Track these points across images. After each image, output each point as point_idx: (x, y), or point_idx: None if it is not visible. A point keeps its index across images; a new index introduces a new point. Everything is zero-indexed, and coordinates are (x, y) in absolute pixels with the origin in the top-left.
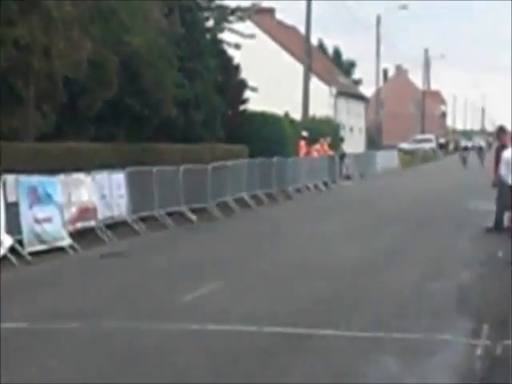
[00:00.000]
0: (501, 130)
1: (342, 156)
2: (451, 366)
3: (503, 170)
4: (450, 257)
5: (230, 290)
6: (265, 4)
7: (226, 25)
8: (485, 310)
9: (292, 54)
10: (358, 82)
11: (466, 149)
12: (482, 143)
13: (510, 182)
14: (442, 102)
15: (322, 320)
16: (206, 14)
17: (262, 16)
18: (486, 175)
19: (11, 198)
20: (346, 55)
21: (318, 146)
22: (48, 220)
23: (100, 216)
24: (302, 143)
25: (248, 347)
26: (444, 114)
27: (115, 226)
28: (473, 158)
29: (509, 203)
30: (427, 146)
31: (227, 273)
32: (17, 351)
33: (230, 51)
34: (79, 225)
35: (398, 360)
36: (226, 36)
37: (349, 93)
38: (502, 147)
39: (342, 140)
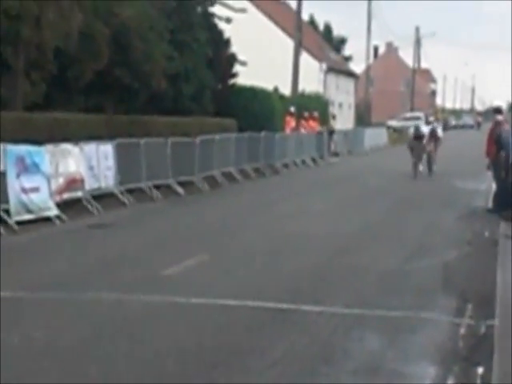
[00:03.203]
0: (496, 110)
1: (331, 132)
2: (434, 345)
3: None
4: (435, 235)
5: (215, 263)
6: None
7: None
8: (469, 289)
9: (283, 29)
10: (348, 59)
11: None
12: (471, 122)
13: None
14: (432, 80)
15: (306, 295)
16: None
17: None
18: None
19: None
20: (336, 31)
21: (304, 122)
22: (35, 190)
23: (87, 187)
24: (289, 118)
25: (231, 321)
26: (434, 93)
27: (102, 197)
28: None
29: None
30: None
31: (213, 246)
32: (1, 320)
33: (221, 25)
34: (66, 195)
35: (381, 337)
36: (216, 9)
37: (339, 69)
38: (495, 128)
39: (334, 117)
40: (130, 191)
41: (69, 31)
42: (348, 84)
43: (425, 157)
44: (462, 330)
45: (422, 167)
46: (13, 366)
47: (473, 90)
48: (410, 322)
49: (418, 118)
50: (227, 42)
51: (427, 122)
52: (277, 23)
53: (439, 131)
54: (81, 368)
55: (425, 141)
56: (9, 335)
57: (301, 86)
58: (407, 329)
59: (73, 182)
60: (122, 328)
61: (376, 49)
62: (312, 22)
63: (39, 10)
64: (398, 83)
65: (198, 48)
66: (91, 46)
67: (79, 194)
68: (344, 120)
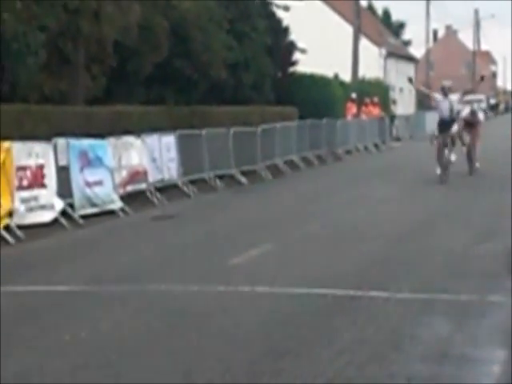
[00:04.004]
0: None
1: (392, 117)
2: (501, 328)
3: None
4: (500, 219)
5: (280, 252)
6: None
7: None
8: None
9: (341, 15)
10: (407, 43)
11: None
12: None
13: None
14: (493, 62)
15: (371, 282)
16: None
17: None
18: None
19: (62, 162)
20: (395, 16)
21: (364, 108)
22: (99, 183)
23: (150, 179)
24: (350, 105)
25: (298, 309)
26: (494, 75)
27: (165, 188)
28: None
29: None
30: (477, 106)
31: (277, 235)
32: (69, 314)
33: (279, 13)
34: (130, 188)
35: (448, 322)
36: None
37: (398, 54)
38: None
39: (394, 102)
40: (193, 182)
41: (128, 24)
42: (408, 68)
43: (461, 149)
44: None
45: (454, 157)
46: (82, 359)
47: None
48: (477, 306)
49: (479, 101)
50: (286, 30)
51: (462, 101)
52: (335, 9)
53: (480, 115)
54: (150, 360)
55: (455, 126)
56: (77, 329)
57: (361, 72)
58: (475, 313)
59: (136, 175)
60: (190, 319)
61: (435, 32)
62: (370, 8)
63: (98, 5)
64: (459, 66)
65: (257, 37)
66: (150, 39)
67: (142, 186)
68: (405, 105)
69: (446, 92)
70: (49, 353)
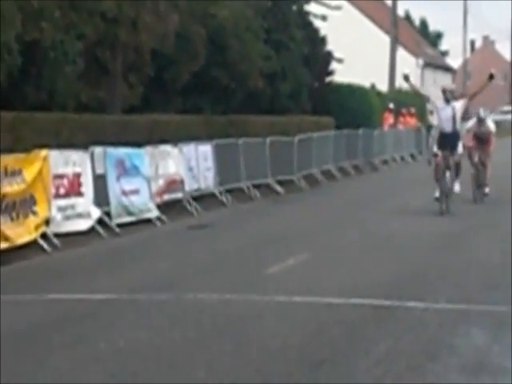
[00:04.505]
0: None
1: (429, 128)
2: None
3: None
4: None
5: (316, 261)
6: None
7: None
8: None
9: (379, 25)
10: (444, 54)
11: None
12: None
13: None
14: None
15: (409, 292)
16: None
17: None
18: None
19: (99, 170)
20: (432, 26)
21: (401, 118)
22: (135, 192)
23: (187, 188)
24: (387, 115)
25: (335, 319)
26: None
27: (202, 197)
28: None
29: None
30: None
31: (314, 244)
32: (106, 322)
33: (317, 23)
34: (166, 197)
35: (486, 332)
36: (312, 7)
37: (436, 64)
38: None
39: (431, 113)
40: (230, 191)
41: (165, 33)
42: (445, 79)
43: (468, 170)
44: None
45: (458, 187)
46: (119, 368)
47: None
48: None
49: (508, 112)
50: (323, 40)
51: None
52: (372, 20)
53: (490, 125)
54: (186, 369)
55: (460, 147)
56: (113, 337)
57: (398, 82)
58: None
59: (173, 184)
60: (226, 328)
61: (473, 43)
62: (408, 18)
63: (136, 13)
64: (496, 77)
65: (295, 46)
66: (188, 48)
67: (179, 195)
68: None
69: (448, 97)
70: (85, 361)
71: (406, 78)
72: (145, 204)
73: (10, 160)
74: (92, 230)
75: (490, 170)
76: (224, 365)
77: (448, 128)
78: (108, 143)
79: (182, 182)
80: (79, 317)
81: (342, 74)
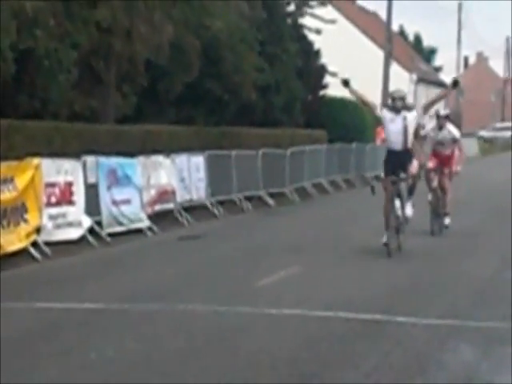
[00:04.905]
0: None
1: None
2: None
3: None
4: None
5: (307, 274)
6: None
7: (307, 9)
8: None
9: (373, 39)
10: (438, 69)
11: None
12: None
13: None
14: None
15: (399, 307)
16: None
17: (343, 1)
18: None
19: (91, 180)
20: (426, 42)
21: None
22: (127, 202)
23: (179, 199)
24: (380, 129)
25: (325, 332)
26: None
27: (193, 208)
28: None
29: None
30: (507, 134)
31: (305, 257)
32: (95, 332)
33: (311, 36)
34: (158, 207)
35: (475, 348)
36: (306, 21)
37: (429, 80)
38: None
39: (423, 128)
40: (221, 203)
41: (160, 44)
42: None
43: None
44: None
45: (410, 210)
46: (108, 377)
47: None
48: (503, 333)
49: (508, 129)
50: (317, 53)
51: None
52: (367, 34)
53: (455, 132)
54: (176, 379)
55: (415, 163)
56: (103, 347)
57: None
58: (501, 340)
59: (164, 194)
60: (216, 339)
61: (466, 59)
62: (402, 33)
63: (130, 23)
64: (489, 93)
65: (288, 59)
66: (182, 59)
67: (171, 205)
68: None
69: (397, 106)
70: (74, 370)
71: (346, 83)
72: (136, 214)
73: (2, 167)
74: (83, 239)
75: (452, 194)
76: (214, 376)
77: (397, 145)
78: (101, 153)
79: (173, 192)
80: (69, 326)
81: (335, 88)
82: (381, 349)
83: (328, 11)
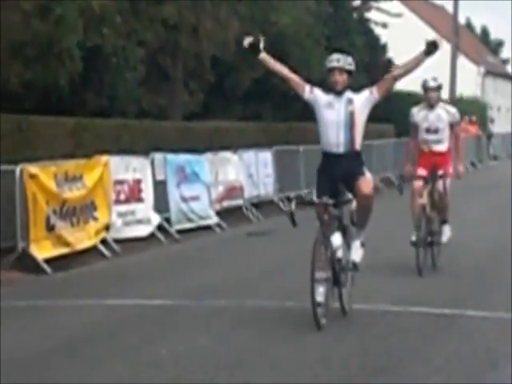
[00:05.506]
0: None
1: (489, 136)
2: None
3: None
4: None
5: (373, 269)
6: None
7: (373, 3)
8: None
9: (439, 32)
10: (506, 62)
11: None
12: None
13: None
14: None
15: (467, 301)
16: None
17: None
18: None
19: (159, 177)
20: (494, 34)
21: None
22: (195, 198)
23: (247, 195)
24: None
25: (394, 327)
26: None
27: (261, 204)
28: None
29: None
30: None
31: (371, 250)
32: (165, 328)
33: (377, 30)
34: (226, 203)
35: None
36: (372, 15)
37: (497, 72)
38: None
39: (492, 121)
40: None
41: (226, 40)
42: (506, 87)
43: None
44: None
45: (359, 252)
46: (180, 373)
47: None
48: None
49: None
50: (384, 47)
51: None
52: (433, 27)
53: (451, 109)
54: (246, 375)
55: (365, 178)
56: (174, 343)
57: (458, 90)
58: None
59: (232, 190)
60: (286, 334)
61: None
62: (469, 26)
63: (196, 20)
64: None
65: (355, 54)
66: (248, 55)
67: (239, 201)
68: (502, 123)
69: (334, 85)
70: (145, 367)
71: (252, 46)
72: (204, 210)
73: (70, 165)
74: (152, 236)
75: (449, 209)
76: (283, 374)
77: (338, 145)
78: (168, 150)
79: (241, 188)
80: (138, 322)
81: (402, 82)
82: (451, 343)
83: (394, 5)
